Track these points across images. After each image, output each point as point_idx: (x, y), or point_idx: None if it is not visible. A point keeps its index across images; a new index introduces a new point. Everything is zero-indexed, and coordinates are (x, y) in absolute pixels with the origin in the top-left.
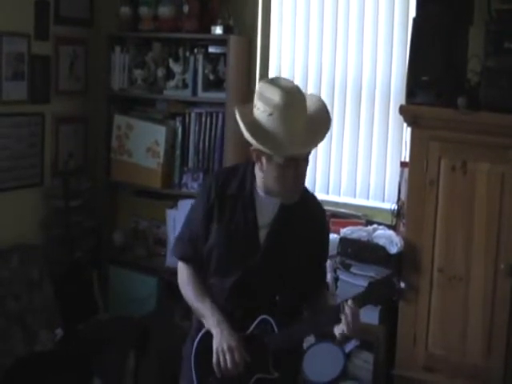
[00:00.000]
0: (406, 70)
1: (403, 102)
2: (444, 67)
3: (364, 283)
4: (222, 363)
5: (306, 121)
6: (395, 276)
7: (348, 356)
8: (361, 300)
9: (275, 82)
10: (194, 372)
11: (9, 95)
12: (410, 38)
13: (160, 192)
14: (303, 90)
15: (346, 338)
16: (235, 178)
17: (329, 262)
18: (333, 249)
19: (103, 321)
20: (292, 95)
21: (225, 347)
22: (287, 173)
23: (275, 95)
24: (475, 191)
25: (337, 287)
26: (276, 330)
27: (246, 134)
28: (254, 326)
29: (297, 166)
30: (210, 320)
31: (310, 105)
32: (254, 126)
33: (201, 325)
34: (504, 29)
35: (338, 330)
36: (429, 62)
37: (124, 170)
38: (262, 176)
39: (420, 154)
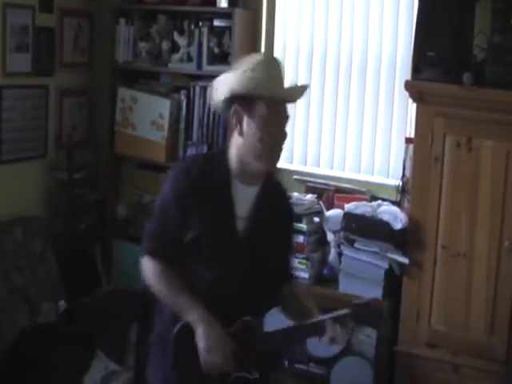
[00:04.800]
0: (412, 46)
1: (409, 77)
2: (450, 43)
3: (368, 259)
4: (211, 361)
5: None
6: (384, 299)
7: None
8: (343, 321)
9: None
10: (173, 366)
11: (13, 67)
12: (417, 13)
13: (164, 165)
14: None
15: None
16: (209, 166)
17: (332, 237)
18: (337, 224)
19: (106, 294)
20: (273, 56)
21: (215, 344)
22: (269, 130)
23: (257, 56)
24: (480, 168)
25: (340, 262)
26: (258, 330)
27: (234, 83)
28: (236, 325)
29: (278, 120)
30: (193, 314)
31: None
32: (238, 80)
33: (174, 316)
34: (510, 5)
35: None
36: (435, 37)
37: (128, 143)
38: (239, 147)
39: (425, 131)
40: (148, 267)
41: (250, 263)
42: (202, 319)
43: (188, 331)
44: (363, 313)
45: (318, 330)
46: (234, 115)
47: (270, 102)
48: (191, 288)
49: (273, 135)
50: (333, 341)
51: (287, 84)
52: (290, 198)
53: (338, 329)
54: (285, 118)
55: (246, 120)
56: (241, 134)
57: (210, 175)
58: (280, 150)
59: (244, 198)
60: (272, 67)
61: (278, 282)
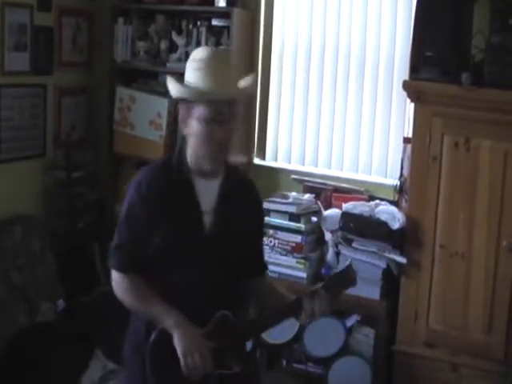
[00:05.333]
0: (410, 46)
1: (407, 77)
2: (448, 43)
3: (365, 258)
4: (190, 364)
5: (232, 73)
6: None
7: (349, 331)
8: (317, 294)
9: (205, 47)
10: (152, 374)
11: (11, 66)
12: (415, 13)
13: None
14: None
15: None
16: (168, 169)
17: (330, 236)
18: (335, 223)
19: (105, 293)
20: (217, 51)
21: (192, 347)
22: (214, 130)
23: (203, 52)
24: (478, 168)
25: (338, 262)
26: (235, 323)
27: (177, 89)
28: (213, 321)
29: (220, 119)
30: (167, 319)
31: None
32: (181, 82)
33: (149, 326)
34: (509, 5)
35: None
36: (433, 37)
37: (126, 143)
38: (191, 145)
39: (423, 130)
40: (117, 282)
41: (219, 258)
42: (177, 323)
43: (164, 338)
44: (337, 281)
45: (295, 308)
46: (181, 114)
47: (208, 104)
48: (162, 294)
49: (214, 135)
50: (312, 316)
51: (241, 79)
52: (255, 186)
53: (314, 303)
54: (228, 116)
55: (192, 121)
56: (189, 133)
57: (171, 176)
58: (226, 147)
59: (207, 192)
60: (214, 65)
61: (250, 274)
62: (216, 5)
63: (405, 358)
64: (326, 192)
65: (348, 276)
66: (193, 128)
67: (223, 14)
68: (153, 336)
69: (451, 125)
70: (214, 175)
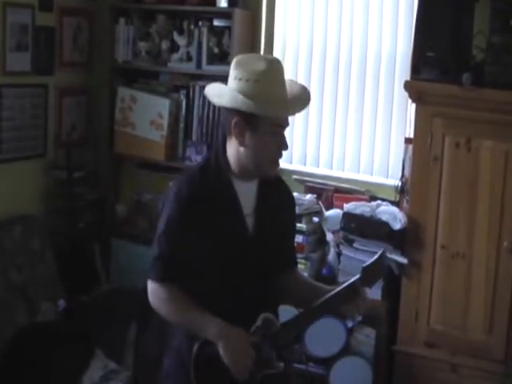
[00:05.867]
0: (412, 46)
1: (408, 77)
2: (449, 44)
3: (366, 258)
4: (241, 370)
5: (288, 87)
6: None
7: (350, 331)
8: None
9: (254, 54)
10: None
11: (12, 66)
12: (416, 13)
13: (163, 165)
14: None
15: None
16: (206, 174)
17: (331, 237)
18: (336, 224)
19: (105, 293)
20: (276, 62)
21: (241, 353)
22: (271, 142)
23: (260, 63)
24: (479, 168)
25: (339, 262)
26: (278, 324)
27: (238, 100)
28: (257, 324)
29: (280, 133)
30: (211, 328)
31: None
32: (243, 95)
33: (190, 341)
34: (509, 6)
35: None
36: (434, 38)
37: (127, 143)
38: (240, 153)
39: (424, 131)
40: (154, 293)
41: (260, 258)
42: (220, 332)
43: (207, 348)
44: (372, 272)
45: (348, 298)
46: (236, 127)
47: (273, 120)
48: (201, 301)
49: (274, 148)
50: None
51: (289, 86)
52: (286, 184)
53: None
54: (285, 129)
55: (248, 134)
56: (242, 144)
57: (210, 182)
58: (280, 158)
59: (247, 194)
60: (276, 78)
61: (282, 267)
62: (217, 5)
63: (405, 358)
64: (328, 192)
65: (381, 265)
66: (252, 142)
67: (224, 14)
68: (195, 348)
69: (452, 125)
70: (253, 177)
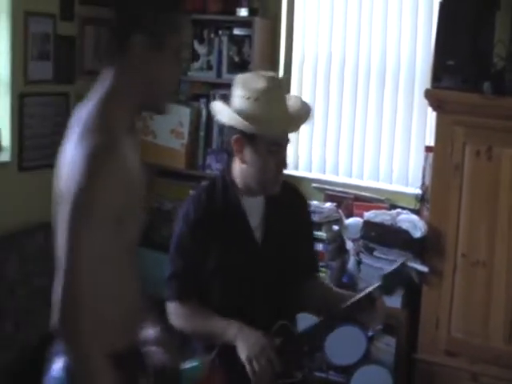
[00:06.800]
0: (431, 54)
1: (428, 86)
2: (470, 52)
3: (387, 267)
4: (256, 368)
5: (289, 104)
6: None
7: (370, 339)
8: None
9: (255, 73)
10: None
11: (34, 75)
12: (437, 22)
13: (184, 173)
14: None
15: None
16: (214, 191)
17: (351, 245)
18: (356, 232)
19: None
20: (275, 80)
21: (257, 350)
22: (270, 160)
23: (259, 81)
24: (500, 177)
25: (359, 270)
26: (295, 332)
27: (235, 119)
28: (274, 331)
29: (280, 151)
30: (229, 331)
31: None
32: (241, 112)
33: (208, 349)
34: None
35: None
36: (455, 46)
37: (148, 151)
38: (242, 171)
39: (445, 139)
40: (174, 312)
41: (272, 270)
42: (238, 333)
43: (225, 354)
44: (393, 281)
45: (365, 307)
46: (236, 144)
47: (271, 139)
48: (217, 312)
49: (274, 166)
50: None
51: (290, 104)
52: (298, 191)
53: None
54: (286, 147)
55: (247, 151)
56: (243, 162)
57: (217, 200)
58: (281, 174)
59: (254, 208)
60: (275, 96)
61: (303, 275)
62: (237, 14)
63: (426, 366)
64: (347, 200)
65: (401, 274)
66: (251, 159)
67: (245, 23)
68: (213, 354)
69: (473, 133)
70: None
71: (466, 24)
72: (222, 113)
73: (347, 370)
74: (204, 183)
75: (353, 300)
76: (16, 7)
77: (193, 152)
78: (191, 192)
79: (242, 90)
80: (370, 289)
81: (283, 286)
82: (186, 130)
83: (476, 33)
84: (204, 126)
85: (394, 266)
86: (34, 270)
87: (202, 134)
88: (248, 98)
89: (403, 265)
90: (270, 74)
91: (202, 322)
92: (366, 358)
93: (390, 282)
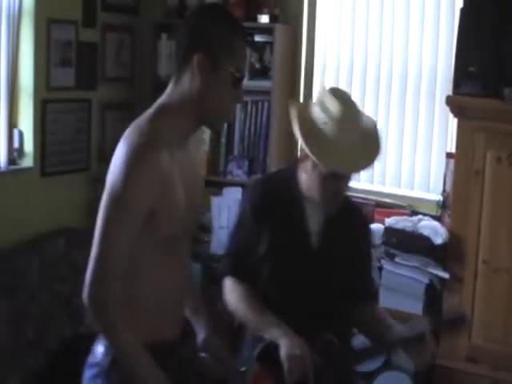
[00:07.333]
0: (453, 61)
1: (449, 92)
2: (490, 58)
3: (408, 273)
4: (294, 368)
5: (357, 141)
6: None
7: None
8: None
9: (336, 92)
10: None
11: (57, 81)
12: (458, 28)
13: (205, 179)
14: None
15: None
16: (280, 184)
17: (373, 251)
18: (377, 238)
19: None
20: (349, 111)
21: (297, 352)
22: (328, 185)
23: (334, 106)
24: None
25: (381, 277)
26: (339, 348)
27: (298, 134)
28: (319, 343)
29: (339, 181)
30: (276, 331)
31: (365, 124)
32: (308, 129)
33: (255, 342)
34: None
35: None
36: (475, 53)
37: None
38: (305, 179)
39: (466, 145)
40: (229, 289)
41: (323, 279)
42: (285, 333)
43: (270, 351)
44: (444, 326)
45: (413, 344)
46: (302, 154)
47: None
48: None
49: (330, 190)
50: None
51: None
52: (361, 212)
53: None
54: (346, 179)
55: (309, 165)
56: (305, 171)
57: (281, 192)
58: (339, 200)
59: (315, 214)
60: (343, 131)
61: (358, 301)
62: (258, 21)
63: (446, 372)
64: (369, 207)
65: (455, 322)
66: (310, 173)
67: (266, 29)
68: (257, 350)
69: (494, 140)
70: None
71: (487, 30)
72: (293, 124)
73: (368, 377)
74: (271, 172)
75: (401, 337)
76: (39, 14)
77: (214, 158)
78: (259, 176)
79: (317, 106)
80: (421, 329)
81: (333, 300)
82: (207, 136)
83: (496, 39)
84: (225, 132)
85: (456, 313)
86: (55, 275)
87: (223, 140)
88: (318, 119)
89: (463, 318)
90: (348, 99)
91: (254, 309)
92: (387, 365)
93: (443, 326)
